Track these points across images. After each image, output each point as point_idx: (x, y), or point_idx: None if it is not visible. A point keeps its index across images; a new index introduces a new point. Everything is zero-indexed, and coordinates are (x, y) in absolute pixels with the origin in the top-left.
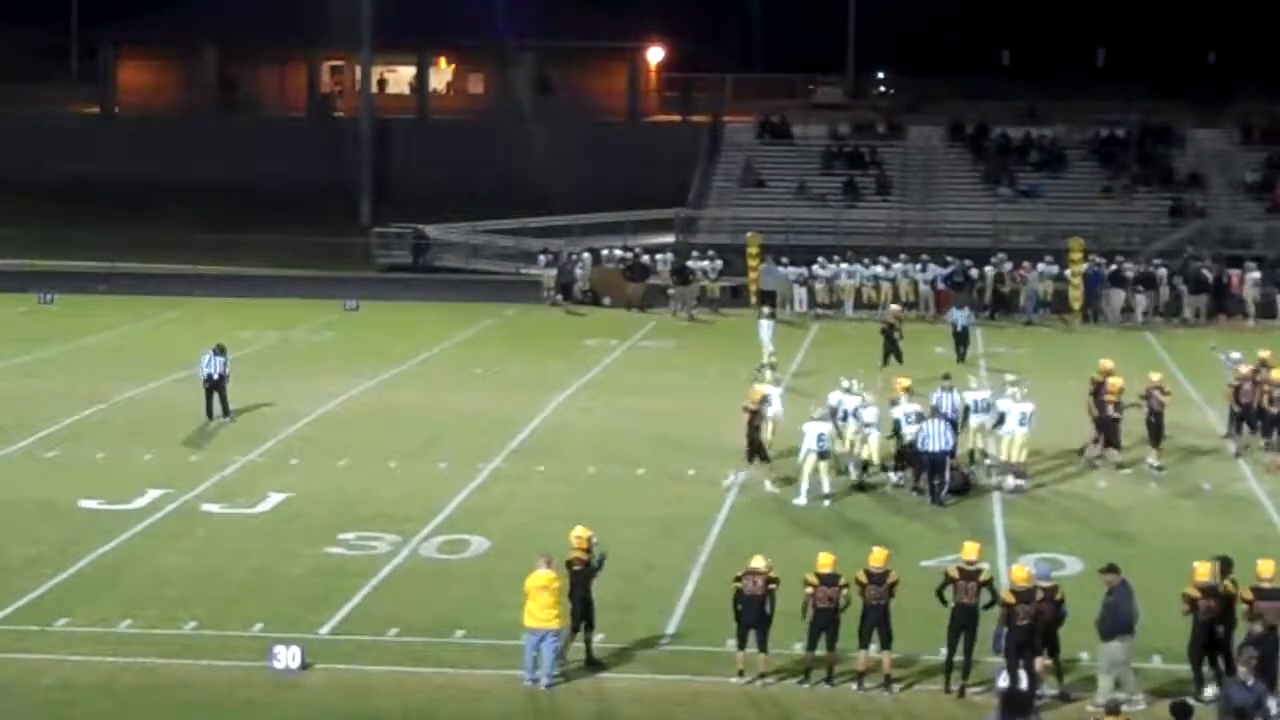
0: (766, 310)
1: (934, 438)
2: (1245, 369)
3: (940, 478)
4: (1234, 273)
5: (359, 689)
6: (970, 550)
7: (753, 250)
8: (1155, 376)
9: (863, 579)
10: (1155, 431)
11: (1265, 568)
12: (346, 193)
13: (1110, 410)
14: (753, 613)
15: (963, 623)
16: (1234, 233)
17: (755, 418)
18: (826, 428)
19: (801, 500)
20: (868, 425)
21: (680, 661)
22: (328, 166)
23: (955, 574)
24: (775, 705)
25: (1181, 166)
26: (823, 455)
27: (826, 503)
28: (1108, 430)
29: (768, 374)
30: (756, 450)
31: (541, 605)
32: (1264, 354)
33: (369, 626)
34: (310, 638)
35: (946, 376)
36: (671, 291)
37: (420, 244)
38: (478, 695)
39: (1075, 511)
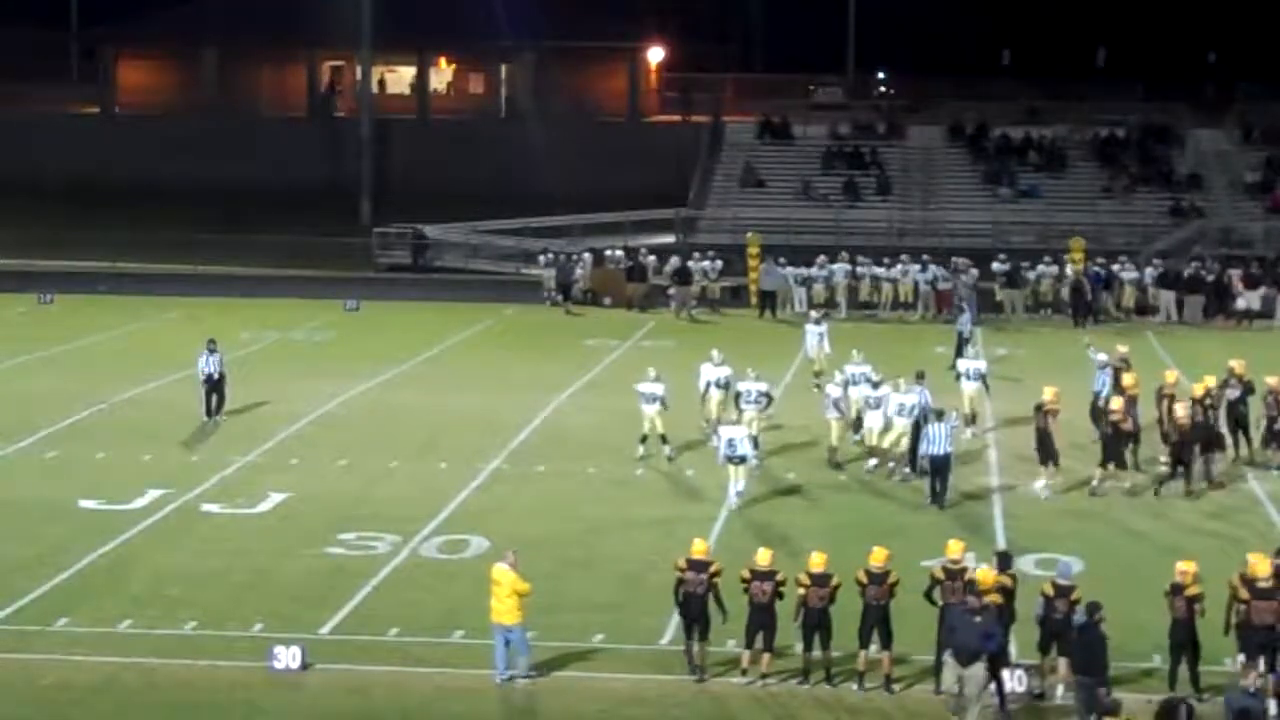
0: (815, 315)
1: (936, 440)
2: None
3: (943, 479)
4: (1234, 273)
5: (359, 689)
6: (954, 549)
7: (753, 250)
8: (1170, 377)
9: (863, 579)
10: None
11: (1261, 566)
12: (347, 193)
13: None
14: (761, 615)
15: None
16: (1234, 233)
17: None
18: (738, 432)
19: (732, 505)
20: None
21: (680, 661)
22: (328, 166)
23: (940, 574)
24: (777, 705)
25: (1181, 167)
26: (732, 459)
27: (732, 504)
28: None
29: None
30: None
31: (498, 599)
32: (1236, 365)
33: (369, 626)
34: (310, 638)
35: (920, 375)
36: (672, 291)
37: (420, 244)
38: (477, 695)
39: (1074, 511)
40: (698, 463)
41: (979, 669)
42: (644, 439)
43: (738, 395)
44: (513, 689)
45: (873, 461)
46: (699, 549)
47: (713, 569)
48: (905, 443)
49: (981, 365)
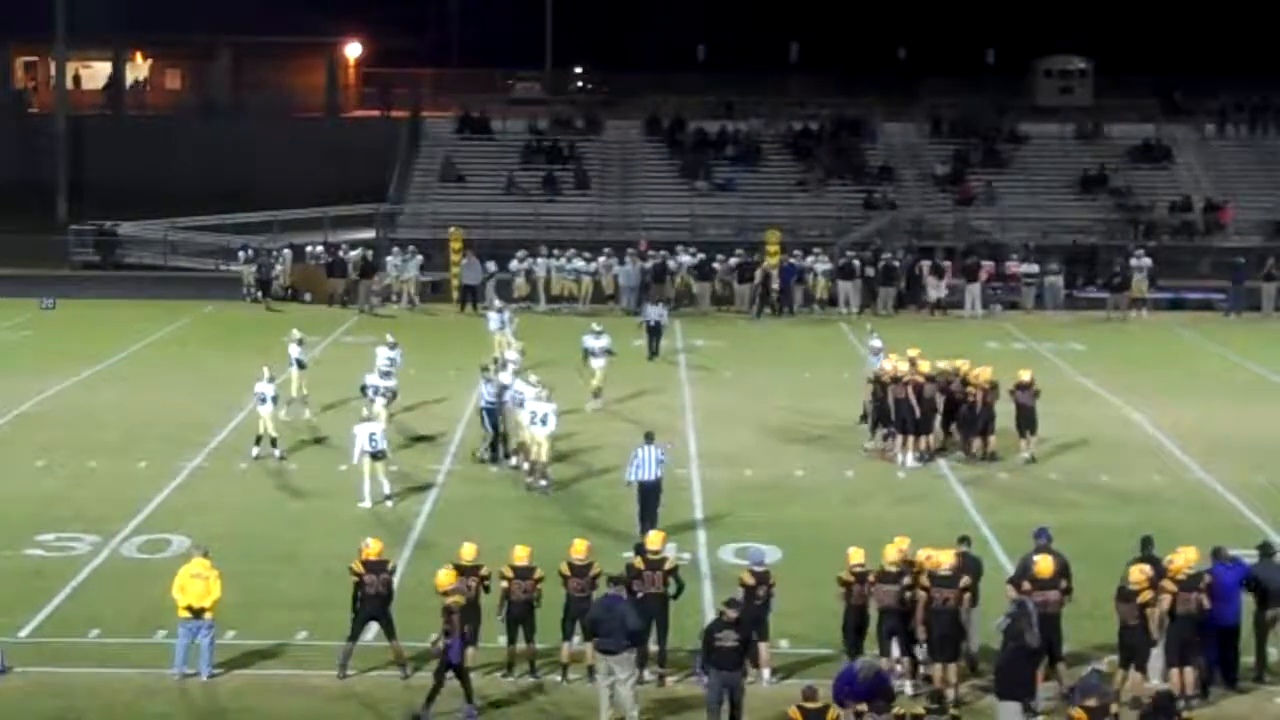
0: (498, 304)
1: (645, 465)
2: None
3: (651, 507)
4: (925, 264)
5: (60, 692)
6: (654, 540)
7: (455, 245)
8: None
9: (565, 571)
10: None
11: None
12: (43, 189)
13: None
14: (466, 610)
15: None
16: (925, 224)
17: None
18: (377, 427)
19: (365, 504)
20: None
21: (385, 655)
22: (22, 163)
23: (640, 565)
24: (479, 697)
25: (873, 159)
26: (376, 455)
27: (389, 503)
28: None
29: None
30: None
31: (196, 595)
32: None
33: (70, 628)
34: (9, 641)
35: (485, 368)
36: (375, 287)
37: (111, 241)
38: (181, 694)
39: (769, 499)
40: (406, 459)
41: (628, 657)
42: (258, 440)
43: (363, 389)
44: (215, 685)
45: (523, 463)
46: (580, 548)
47: (483, 572)
48: (544, 452)
49: (605, 342)
